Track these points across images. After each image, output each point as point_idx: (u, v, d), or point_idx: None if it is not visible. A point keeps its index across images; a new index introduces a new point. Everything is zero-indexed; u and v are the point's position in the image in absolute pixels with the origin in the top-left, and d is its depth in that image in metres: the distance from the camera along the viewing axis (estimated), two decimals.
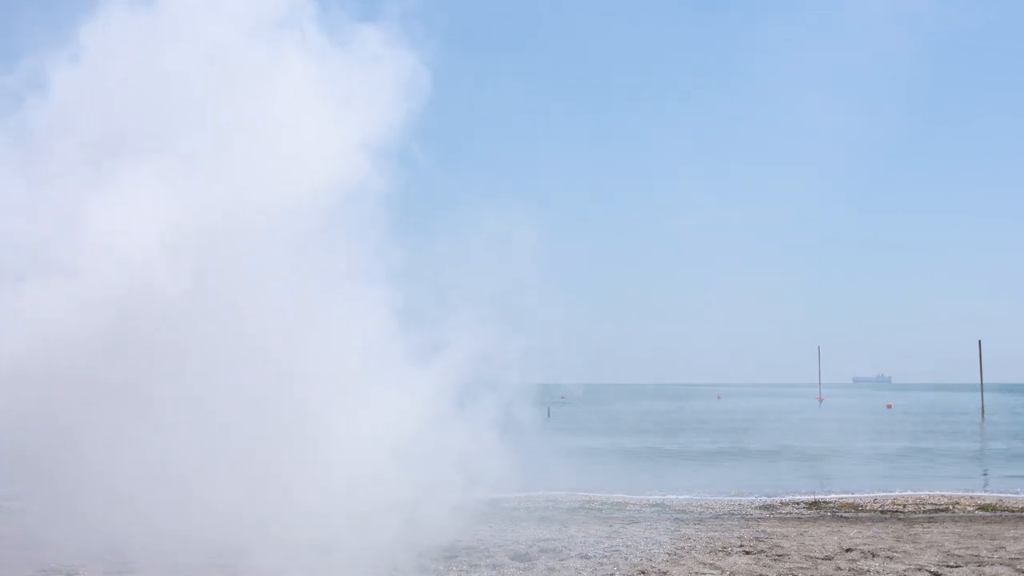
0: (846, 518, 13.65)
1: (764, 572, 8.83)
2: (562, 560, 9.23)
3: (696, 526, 12.23)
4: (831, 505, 15.21)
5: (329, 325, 8.92)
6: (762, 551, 10.00)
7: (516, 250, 9.91)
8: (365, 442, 8.70)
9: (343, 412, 8.70)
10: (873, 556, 9.69)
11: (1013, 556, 9.71)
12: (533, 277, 9.94)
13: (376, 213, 9.38)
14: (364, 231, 9.35)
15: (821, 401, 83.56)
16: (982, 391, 58.10)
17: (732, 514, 13.98)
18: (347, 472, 8.54)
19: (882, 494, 16.72)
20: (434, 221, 10.85)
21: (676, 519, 13.17)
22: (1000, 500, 15.73)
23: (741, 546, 10.34)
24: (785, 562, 9.34)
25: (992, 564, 9.25)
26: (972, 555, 9.77)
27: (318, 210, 9.03)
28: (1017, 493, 17.20)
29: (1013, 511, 14.39)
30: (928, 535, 11.38)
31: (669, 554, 9.74)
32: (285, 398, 8.39)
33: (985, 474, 22.57)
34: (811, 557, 9.64)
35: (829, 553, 9.89)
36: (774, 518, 13.55)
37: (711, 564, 9.20)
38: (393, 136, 9.48)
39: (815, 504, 15.32)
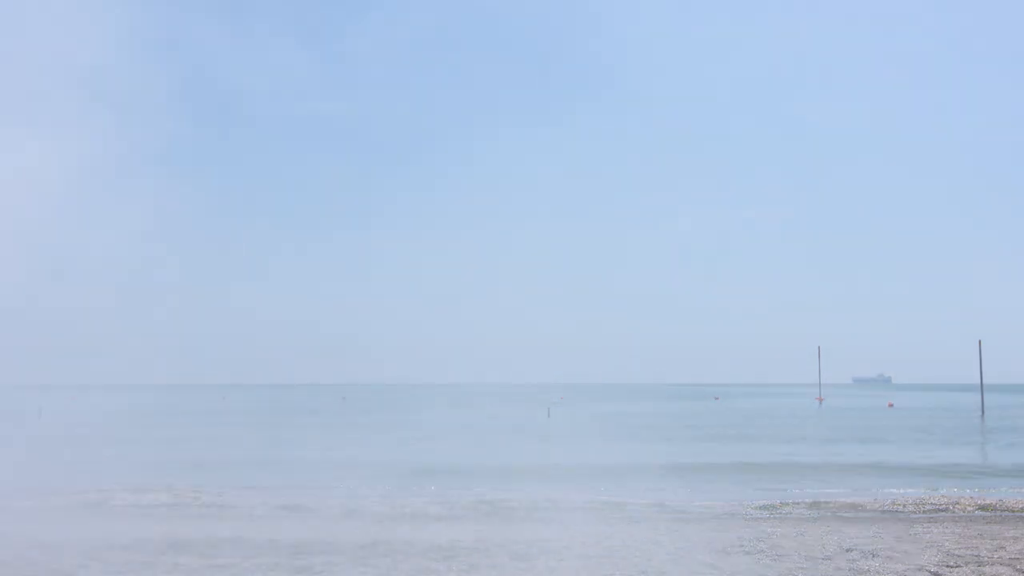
0: (846, 518, 13.65)
1: (764, 572, 8.84)
2: (562, 560, 9.23)
3: (696, 526, 12.23)
4: (831, 505, 15.21)
5: None
6: (762, 551, 10.00)
7: None
8: None
9: None
10: (873, 556, 9.69)
11: (1013, 556, 9.72)
12: None
13: None
14: None
15: (821, 401, 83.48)
16: (982, 391, 58.10)
17: (732, 514, 13.97)
18: None
19: (882, 494, 16.72)
20: None
21: (676, 519, 13.17)
22: (1000, 500, 15.72)
23: (741, 546, 10.34)
24: (785, 562, 9.34)
25: (992, 564, 9.25)
26: (972, 555, 9.77)
27: None
28: (1017, 493, 17.20)
29: (1013, 511, 14.40)
30: (928, 535, 11.38)
31: (669, 554, 9.74)
32: None
33: (985, 474, 22.54)
34: (811, 557, 9.64)
35: (829, 553, 9.89)
36: (774, 518, 13.55)
37: (711, 564, 9.20)
38: None
39: (815, 504, 15.31)
